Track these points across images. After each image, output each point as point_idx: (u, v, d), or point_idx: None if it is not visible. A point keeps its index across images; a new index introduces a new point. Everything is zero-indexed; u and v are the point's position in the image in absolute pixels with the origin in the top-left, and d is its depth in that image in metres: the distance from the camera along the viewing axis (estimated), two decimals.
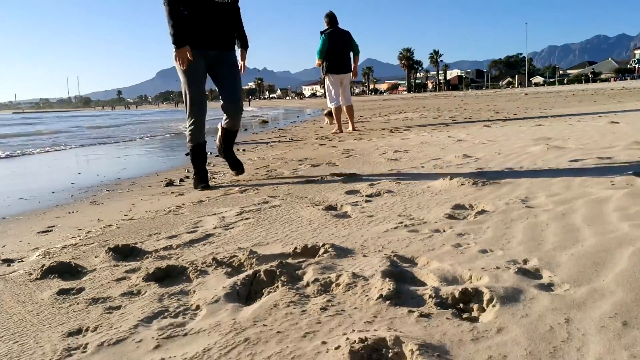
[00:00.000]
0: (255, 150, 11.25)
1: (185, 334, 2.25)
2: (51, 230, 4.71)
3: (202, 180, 6.18)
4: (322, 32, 11.49)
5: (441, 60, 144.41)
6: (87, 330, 2.35)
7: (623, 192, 4.06)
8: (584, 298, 2.23)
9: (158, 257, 3.41)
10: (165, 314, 2.46)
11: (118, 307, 2.60)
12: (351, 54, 12.05)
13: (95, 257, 3.56)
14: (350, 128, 12.34)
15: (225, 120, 6.27)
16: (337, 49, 11.59)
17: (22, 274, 3.28)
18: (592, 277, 2.46)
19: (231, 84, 5.92)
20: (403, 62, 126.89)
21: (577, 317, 2.05)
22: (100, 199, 6.46)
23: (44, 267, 3.23)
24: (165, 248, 3.63)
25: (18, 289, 3.00)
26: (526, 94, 48.16)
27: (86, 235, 4.30)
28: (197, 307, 2.51)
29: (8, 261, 3.74)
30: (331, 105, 12.15)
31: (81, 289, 2.91)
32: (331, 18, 11.49)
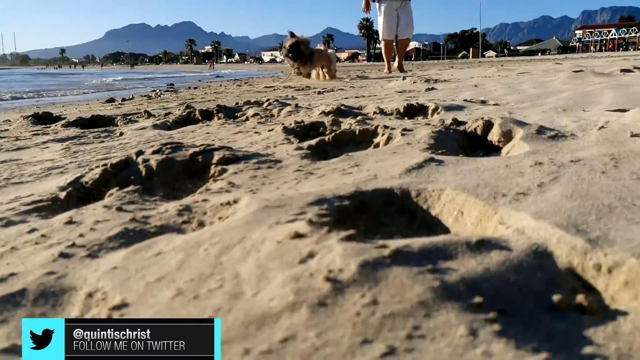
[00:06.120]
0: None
1: (112, 139, 2.01)
2: None
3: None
4: None
5: None
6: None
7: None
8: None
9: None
10: (84, 138, 2.21)
11: (33, 140, 2.33)
12: None
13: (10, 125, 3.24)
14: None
15: None
16: None
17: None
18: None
19: None
20: (363, 31, 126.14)
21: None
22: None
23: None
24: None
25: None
26: (480, 62, 49.07)
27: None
28: (121, 134, 2.26)
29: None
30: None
31: (3, 136, 2.61)
32: None
